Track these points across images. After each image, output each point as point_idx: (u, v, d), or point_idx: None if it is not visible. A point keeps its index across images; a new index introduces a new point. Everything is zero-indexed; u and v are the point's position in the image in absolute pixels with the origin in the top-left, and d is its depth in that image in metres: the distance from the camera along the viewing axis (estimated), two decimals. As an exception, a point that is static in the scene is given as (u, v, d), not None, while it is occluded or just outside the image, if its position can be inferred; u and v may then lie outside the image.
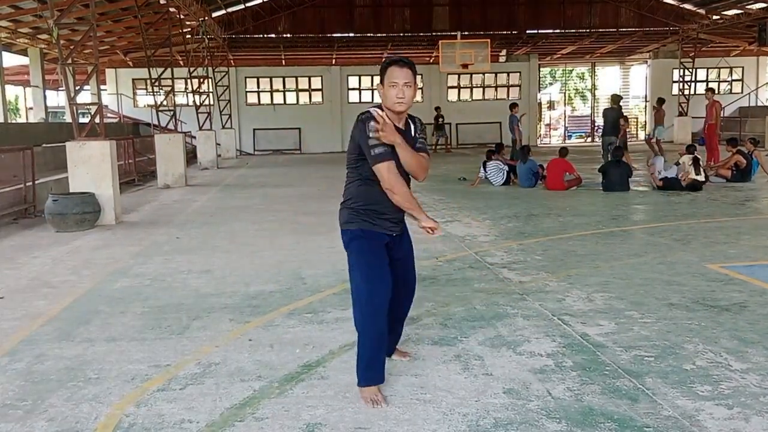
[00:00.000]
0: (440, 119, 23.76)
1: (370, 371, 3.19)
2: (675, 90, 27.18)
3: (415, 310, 4.57)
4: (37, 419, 3.09)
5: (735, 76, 29.71)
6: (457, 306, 4.71)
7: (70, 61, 10.20)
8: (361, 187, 3.20)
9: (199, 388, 3.39)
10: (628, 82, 35.92)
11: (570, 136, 32.90)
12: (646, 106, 30.64)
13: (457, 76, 27.88)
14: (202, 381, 3.48)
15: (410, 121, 3.28)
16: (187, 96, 20.93)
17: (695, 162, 11.17)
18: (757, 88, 28.71)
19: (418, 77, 28.03)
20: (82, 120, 14.92)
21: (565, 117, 35.08)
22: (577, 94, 41.43)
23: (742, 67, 29.52)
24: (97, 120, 9.53)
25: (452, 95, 28.50)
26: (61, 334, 4.33)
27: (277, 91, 27.86)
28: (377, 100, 3.28)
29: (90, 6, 10.02)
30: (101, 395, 3.34)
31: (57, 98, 28.98)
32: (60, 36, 9.52)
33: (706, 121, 15.05)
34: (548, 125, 34.86)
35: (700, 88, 28.13)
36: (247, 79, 27.66)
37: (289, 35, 24.62)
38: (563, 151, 12.30)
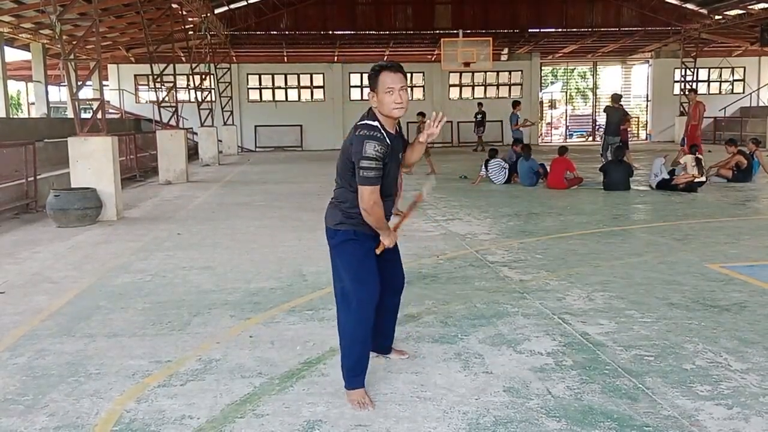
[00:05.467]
0: (480, 116, 24.05)
1: (357, 374, 3.17)
2: (677, 90, 27.15)
3: (416, 308, 4.59)
4: (38, 414, 3.10)
5: (737, 77, 29.68)
6: (458, 304, 4.72)
7: (72, 56, 10.19)
8: (355, 194, 3.15)
9: (200, 384, 3.40)
10: (629, 81, 35.85)
11: (571, 135, 32.90)
12: (647, 106, 30.62)
13: (458, 74, 27.85)
14: (203, 377, 3.49)
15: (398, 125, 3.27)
16: (188, 92, 20.91)
17: (697, 162, 11.17)
18: (759, 89, 28.67)
19: (420, 75, 28.28)
20: (84, 115, 14.87)
21: (566, 116, 35.07)
22: (579, 93, 41.38)
23: (744, 68, 29.48)
24: (98, 116, 9.53)
25: (454, 93, 28.46)
26: (62, 329, 4.34)
27: (279, 87, 27.84)
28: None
29: (92, 2, 10.02)
30: (102, 390, 3.35)
31: (59, 94, 28.99)
32: (62, 31, 9.50)
33: (689, 122, 15.04)
34: (549, 124, 34.81)
35: (702, 88, 28.17)
36: (249, 76, 27.65)
37: (291, 32, 24.57)
38: (563, 149, 12.30)
